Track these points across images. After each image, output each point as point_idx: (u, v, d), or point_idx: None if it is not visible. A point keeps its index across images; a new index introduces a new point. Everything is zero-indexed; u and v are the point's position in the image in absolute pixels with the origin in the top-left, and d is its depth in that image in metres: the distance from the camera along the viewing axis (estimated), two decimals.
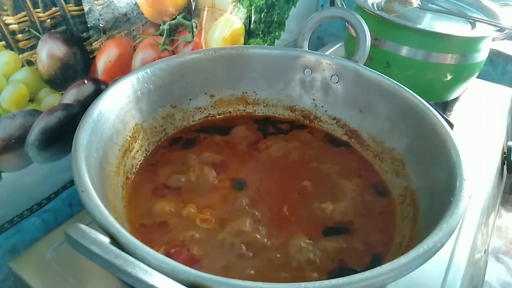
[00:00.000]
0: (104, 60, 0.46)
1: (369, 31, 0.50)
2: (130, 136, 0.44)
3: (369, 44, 0.51)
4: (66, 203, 0.49)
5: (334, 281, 0.26)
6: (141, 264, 0.25)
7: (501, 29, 0.64)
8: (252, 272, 0.35)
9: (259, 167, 0.47)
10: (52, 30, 0.39)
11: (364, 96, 0.50)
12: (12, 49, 0.37)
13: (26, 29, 0.37)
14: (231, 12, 0.63)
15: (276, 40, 0.77)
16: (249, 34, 0.69)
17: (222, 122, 0.53)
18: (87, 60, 0.44)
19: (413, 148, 0.44)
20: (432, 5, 0.74)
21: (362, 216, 0.42)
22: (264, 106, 0.55)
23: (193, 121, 0.52)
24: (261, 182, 0.45)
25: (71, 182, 0.48)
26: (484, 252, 0.63)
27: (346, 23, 0.54)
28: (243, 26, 0.67)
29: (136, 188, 0.42)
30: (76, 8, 0.40)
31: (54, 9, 0.39)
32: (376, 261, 0.37)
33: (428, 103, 0.44)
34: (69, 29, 0.41)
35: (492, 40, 0.67)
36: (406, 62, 0.65)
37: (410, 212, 0.40)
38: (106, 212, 0.29)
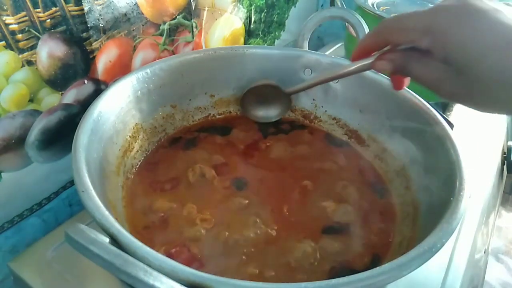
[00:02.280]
0: (104, 60, 0.46)
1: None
2: (130, 136, 0.44)
3: None
4: (66, 203, 0.49)
5: (334, 281, 0.26)
6: (141, 264, 0.25)
7: None
8: (252, 272, 0.35)
9: (260, 167, 0.47)
10: (52, 30, 0.39)
11: (364, 96, 0.50)
12: (12, 49, 0.37)
13: (26, 29, 0.37)
14: (231, 12, 0.63)
15: (276, 40, 0.77)
16: (249, 34, 0.69)
17: (222, 122, 0.53)
18: (87, 60, 0.44)
19: (413, 148, 0.44)
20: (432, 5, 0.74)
21: (362, 216, 0.42)
22: None
23: (193, 121, 0.52)
24: (261, 182, 0.45)
25: (71, 182, 0.48)
26: (484, 252, 0.63)
27: (346, 23, 0.54)
28: (243, 26, 0.67)
29: (136, 188, 0.42)
30: (76, 8, 0.40)
31: (54, 9, 0.39)
32: (376, 261, 0.37)
33: (428, 103, 0.44)
34: (69, 29, 0.41)
35: None
36: None
37: (410, 212, 0.40)
38: (106, 212, 0.29)
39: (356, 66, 0.40)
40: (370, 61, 0.38)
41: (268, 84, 0.50)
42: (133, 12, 0.47)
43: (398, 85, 0.40)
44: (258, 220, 0.40)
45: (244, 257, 0.36)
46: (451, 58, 0.30)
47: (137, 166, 0.45)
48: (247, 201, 0.42)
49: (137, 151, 0.45)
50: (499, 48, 0.28)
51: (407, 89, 0.46)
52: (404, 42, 0.34)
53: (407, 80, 0.39)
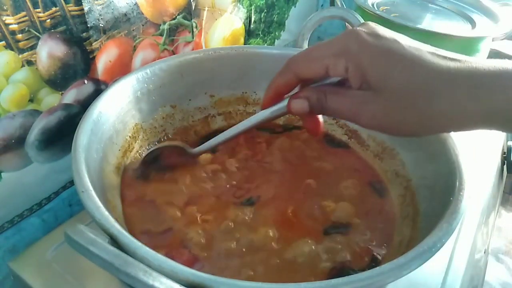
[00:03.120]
0: (104, 60, 0.46)
1: None
2: (130, 136, 0.44)
3: None
4: (66, 203, 0.49)
5: (334, 281, 0.26)
6: (141, 264, 0.25)
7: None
8: (252, 272, 0.35)
9: (260, 167, 0.47)
10: (52, 30, 0.39)
11: None
12: (12, 49, 0.37)
13: (26, 29, 0.37)
14: (231, 12, 0.63)
15: (276, 40, 0.77)
16: (249, 34, 0.69)
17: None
18: (87, 60, 0.44)
19: (413, 148, 0.44)
20: (433, 5, 0.74)
21: (362, 216, 0.42)
22: None
23: (193, 121, 0.52)
24: (262, 182, 0.45)
25: (71, 182, 0.48)
26: (484, 252, 0.63)
27: (346, 23, 0.54)
28: (243, 26, 0.67)
29: (136, 188, 0.42)
30: (76, 8, 0.40)
31: (54, 9, 0.39)
32: (375, 261, 0.37)
33: None
34: (69, 29, 0.41)
35: (492, 40, 0.67)
36: None
37: (410, 212, 0.40)
38: (106, 212, 0.29)
39: (269, 112, 0.37)
40: (284, 104, 0.36)
41: (173, 146, 0.44)
42: (133, 12, 0.47)
43: (314, 130, 0.38)
44: (259, 220, 0.40)
45: (244, 257, 0.36)
46: (366, 77, 0.31)
47: (137, 166, 0.45)
48: (247, 201, 0.42)
49: (137, 151, 0.45)
50: (405, 64, 0.30)
51: None
52: (317, 72, 0.33)
53: (321, 123, 0.38)
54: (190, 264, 0.35)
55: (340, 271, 0.36)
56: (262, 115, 0.38)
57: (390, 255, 0.38)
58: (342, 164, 0.48)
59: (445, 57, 0.30)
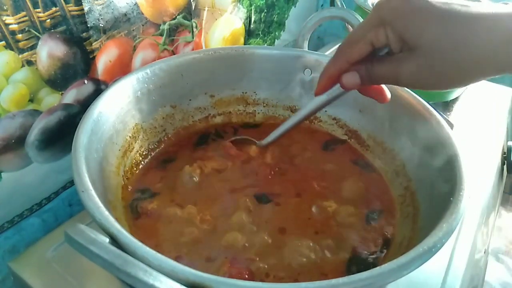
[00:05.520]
0: (104, 60, 0.46)
1: None
2: (130, 136, 0.44)
3: None
4: (66, 203, 0.49)
5: (334, 281, 0.26)
6: (141, 264, 0.25)
7: None
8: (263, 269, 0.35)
9: (260, 167, 0.47)
10: (52, 30, 0.39)
11: (364, 96, 0.50)
12: (12, 49, 0.37)
13: (26, 29, 0.37)
14: (231, 12, 0.63)
15: (276, 40, 0.77)
16: (249, 34, 0.69)
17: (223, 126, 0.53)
18: (87, 60, 0.44)
19: (413, 148, 0.44)
20: None
21: (365, 212, 0.42)
22: (264, 106, 0.55)
23: (193, 121, 0.52)
24: (263, 182, 0.45)
25: (71, 182, 0.48)
26: (484, 252, 0.63)
27: (346, 23, 0.54)
28: (243, 26, 0.67)
29: (136, 187, 0.42)
30: (76, 8, 0.40)
31: (54, 9, 0.39)
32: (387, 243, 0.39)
33: (428, 103, 0.44)
34: (69, 29, 0.41)
35: None
36: None
37: (410, 212, 0.40)
38: (106, 212, 0.29)
39: (326, 95, 0.39)
40: (338, 86, 0.38)
41: (245, 138, 0.50)
42: (133, 12, 0.47)
43: (381, 97, 0.39)
44: (261, 220, 0.40)
45: (251, 256, 0.37)
46: (403, 38, 0.32)
47: (137, 166, 0.45)
48: (249, 201, 0.42)
49: (137, 151, 0.45)
50: (437, 18, 0.31)
51: (407, 89, 0.46)
52: (364, 50, 0.35)
53: (385, 89, 0.39)
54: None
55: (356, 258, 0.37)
56: (320, 100, 0.40)
57: (390, 255, 0.38)
58: (341, 164, 0.48)
59: (476, 6, 0.31)
